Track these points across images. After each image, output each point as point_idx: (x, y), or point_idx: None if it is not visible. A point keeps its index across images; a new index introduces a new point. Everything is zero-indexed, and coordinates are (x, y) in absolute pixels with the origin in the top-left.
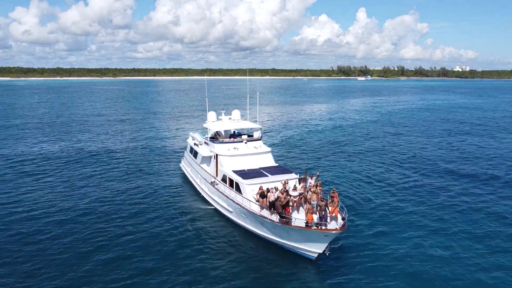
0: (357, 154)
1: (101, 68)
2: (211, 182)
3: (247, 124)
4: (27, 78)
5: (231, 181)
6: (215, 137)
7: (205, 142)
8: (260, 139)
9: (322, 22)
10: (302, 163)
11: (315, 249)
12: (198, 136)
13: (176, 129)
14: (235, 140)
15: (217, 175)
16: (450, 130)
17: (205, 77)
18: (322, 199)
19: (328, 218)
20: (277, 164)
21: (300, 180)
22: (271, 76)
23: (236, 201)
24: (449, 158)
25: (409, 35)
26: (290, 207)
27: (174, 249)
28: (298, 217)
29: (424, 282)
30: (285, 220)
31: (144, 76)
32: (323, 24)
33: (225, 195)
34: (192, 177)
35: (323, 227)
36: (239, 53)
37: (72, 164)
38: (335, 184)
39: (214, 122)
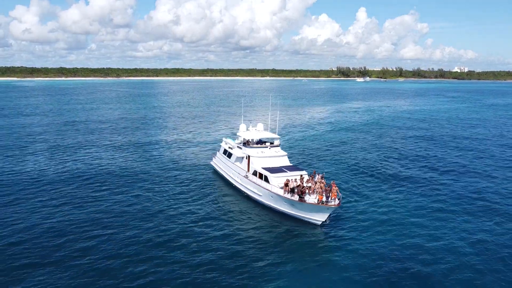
0: (349, 153)
1: (104, 68)
2: (244, 175)
3: (269, 135)
4: (33, 79)
5: (260, 174)
6: (246, 143)
7: (237, 146)
8: (279, 146)
9: (322, 21)
10: (308, 162)
11: (320, 218)
12: (231, 142)
13: (201, 133)
14: (262, 145)
15: (248, 170)
16: (421, 135)
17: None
18: (325, 187)
19: (330, 198)
20: (291, 164)
21: (310, 176)
22: (271, 77)
23: (266, 188)
24: (421, 157)
25: (409, 35)
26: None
27: (219, 220)
28: (310, 198)
29: (398, 241)
30: (302, 199)
31: (146, 76)
32: (323, 24)
33: (257, 184)
34: (224, 171)
35: (326, 203)
36: (239, 52)
37: (126, 153)
38: (333, 177)
39: (245, 132)
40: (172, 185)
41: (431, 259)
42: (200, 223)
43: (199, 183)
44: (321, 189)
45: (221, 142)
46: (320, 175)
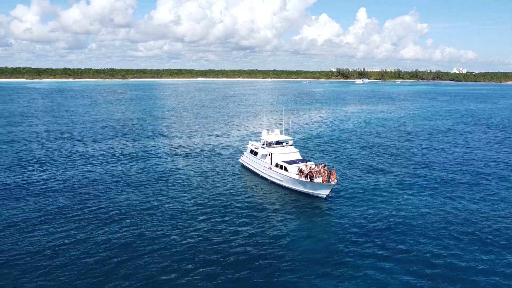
0: (345, 148)
1: (108, 69)
2: (269, 168)
3: (284, 137)
4: (41, 80)
5: (281, 166)
6: (268, 144)
7: (261, 147)
8: (292, 145)
9: (323, 22)
10: (314, 154)
11: (324, 193)
12: (256, 143)
13: (224, 136)
14: (280, 145)
15: (271, 164)
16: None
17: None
18: (327, 171)
19: (331, 179)
20: (302, 157)
21: (316, 165)
22: (273, 78)
23: (286, 175)
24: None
25: (409, 35)
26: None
27: (253, 198)
28: (317, 179)
29: (387, 208)
30: (312, 180)
31: (151, 77)
32: (323, 24)
33: (278, 173)
34: (252, 166)
35: (328, 182)
36: (239, 52)
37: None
38: (332, 164)
39: (267, 136)
40: (213, 176)
41: (403, 220)
42: (241, 200)
43: (234, 175)
44: (325, 173)
45: (247, 144)
46: (324, 164)
